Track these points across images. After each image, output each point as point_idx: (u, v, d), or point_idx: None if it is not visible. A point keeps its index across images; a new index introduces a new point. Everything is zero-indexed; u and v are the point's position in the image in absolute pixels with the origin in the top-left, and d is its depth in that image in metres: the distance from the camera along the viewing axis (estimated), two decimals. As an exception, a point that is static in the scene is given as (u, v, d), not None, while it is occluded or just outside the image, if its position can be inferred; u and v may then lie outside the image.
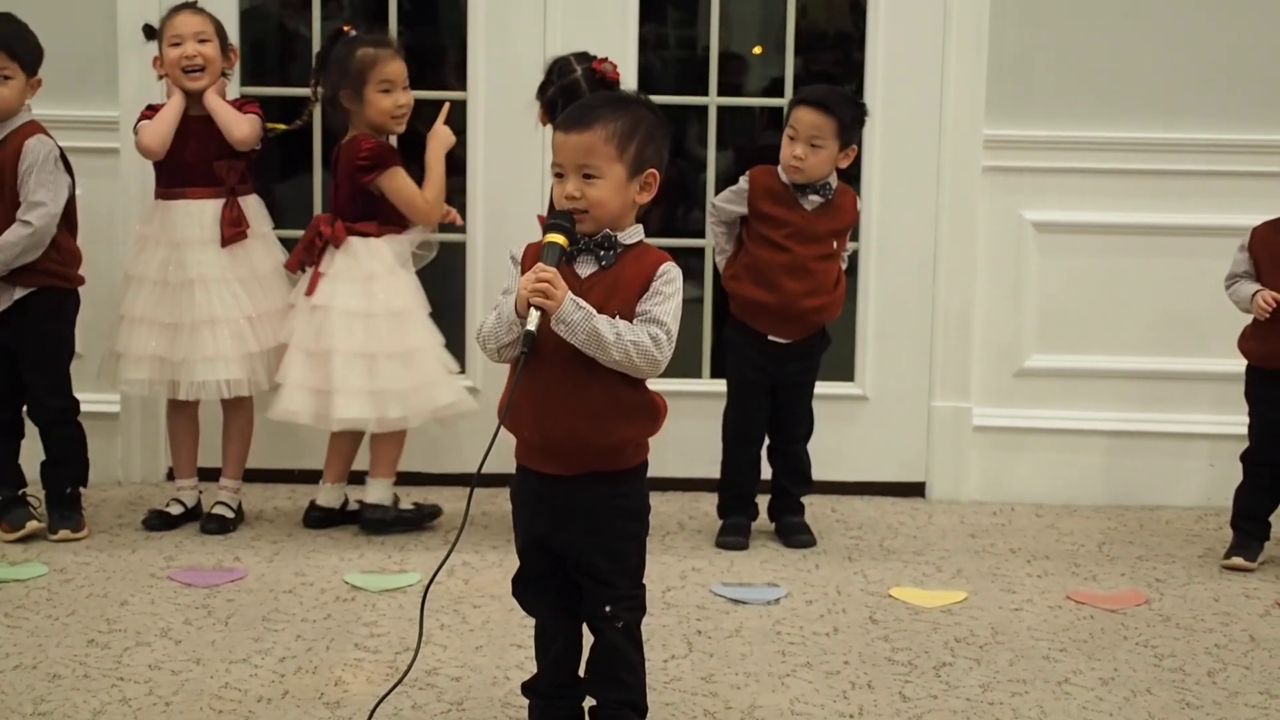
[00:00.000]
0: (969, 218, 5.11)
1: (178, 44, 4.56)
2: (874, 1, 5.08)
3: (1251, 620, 4.10)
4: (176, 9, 4.62)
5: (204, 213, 4.56)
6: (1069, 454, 5.19)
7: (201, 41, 4.56)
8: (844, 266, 4.67)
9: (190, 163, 4.56)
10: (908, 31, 5.07)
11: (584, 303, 2.93)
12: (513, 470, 3.14)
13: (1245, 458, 4.60)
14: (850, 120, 4.51)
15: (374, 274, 4.54)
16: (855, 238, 5.14)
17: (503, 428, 3.02)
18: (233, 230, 4.56)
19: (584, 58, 4.56)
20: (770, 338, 4.63)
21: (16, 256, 4.39)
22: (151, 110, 4.60)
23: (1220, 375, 5.00)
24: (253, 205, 4.65)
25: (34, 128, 4.47)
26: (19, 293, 4.44)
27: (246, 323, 4.56)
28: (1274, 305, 4.39)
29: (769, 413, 4.69)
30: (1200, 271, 4.90)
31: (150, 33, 4.64)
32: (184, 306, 4.54)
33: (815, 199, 4.56)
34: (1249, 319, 4.52)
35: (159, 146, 4.53)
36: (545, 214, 4.56)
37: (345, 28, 4.68)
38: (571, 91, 4.41)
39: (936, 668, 3.71)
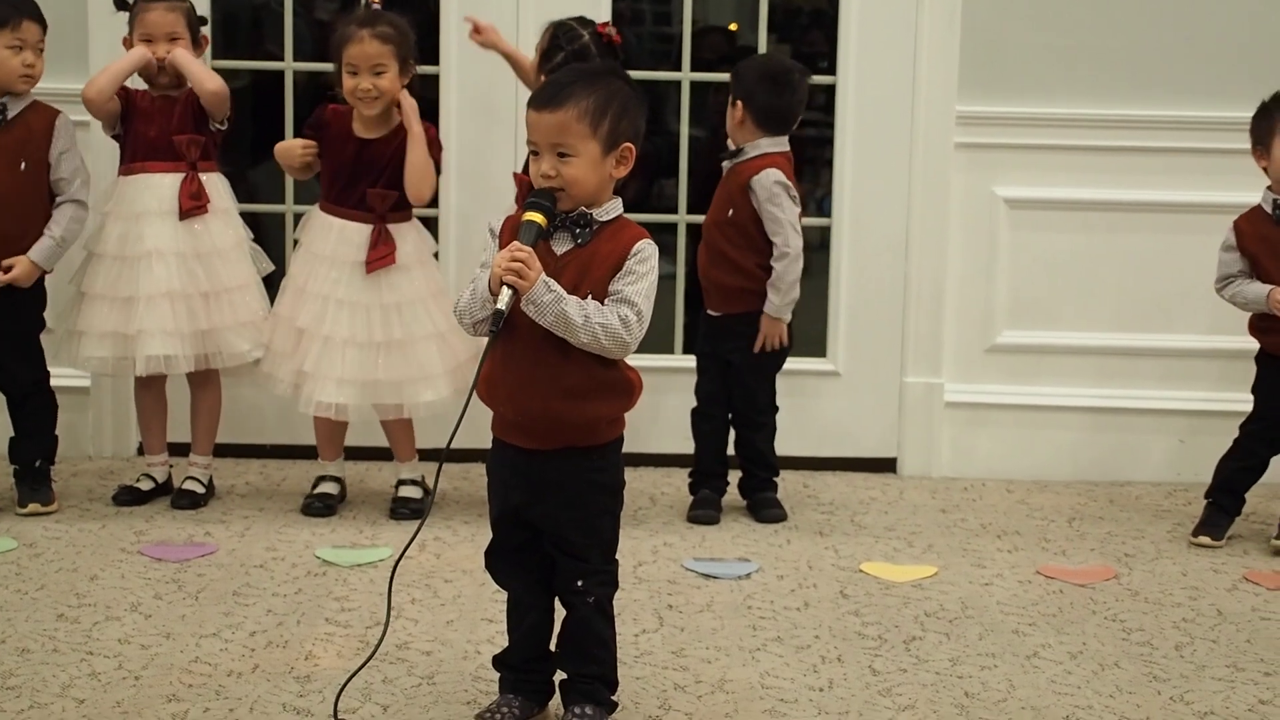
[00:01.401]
0: (941, 194, 5.12)
1: (149, 41, 4.53)
2: (847, -25, 5.10)
3: (1219, 595, 4.12)
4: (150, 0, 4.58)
5: (163, 185, 4.53)
6: (1040, 430, 5.22)
7: (173, 40, 4.54)
8: (781, 249, 4.54)
9: (152, 138, 4.54)
10: (881, 7, 5.07)
11: (555, 285, 2.93)
12: (487, 446, 3.14)
13: (1246, 435, 4.59)
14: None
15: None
16: (827, 213, 5.17)
17: (480, 402, 3.04)
18: (191, 203, 4.52)
19: (585, 22, 4.56)
20: (707, 310, 4.66)
21: (78, 235, 4.52)
22: (124, 90, 4.59)
23: (1190, 351, 5.03)
24: (215, 182, 4.61)
25: (51, 107, 4.53)
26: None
27: (201, 299, 4.52)
28: None
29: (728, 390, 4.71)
30: (1171, 248, 4.93)
31: (121, 4, 4.60)
32: (140, 280, 4.49)
33: (726, 164, 4.59)
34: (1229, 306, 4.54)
35: (95, 94, 4.50)
36: (521, 171, 4.57)
37: (373, 2, 4.61)
38: (581, 56, 4.39)
39: (906, 642, 3.73)
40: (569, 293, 2.95)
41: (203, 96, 4.51)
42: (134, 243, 4.51)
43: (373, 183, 4.50)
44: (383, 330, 4.49)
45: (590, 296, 2.97)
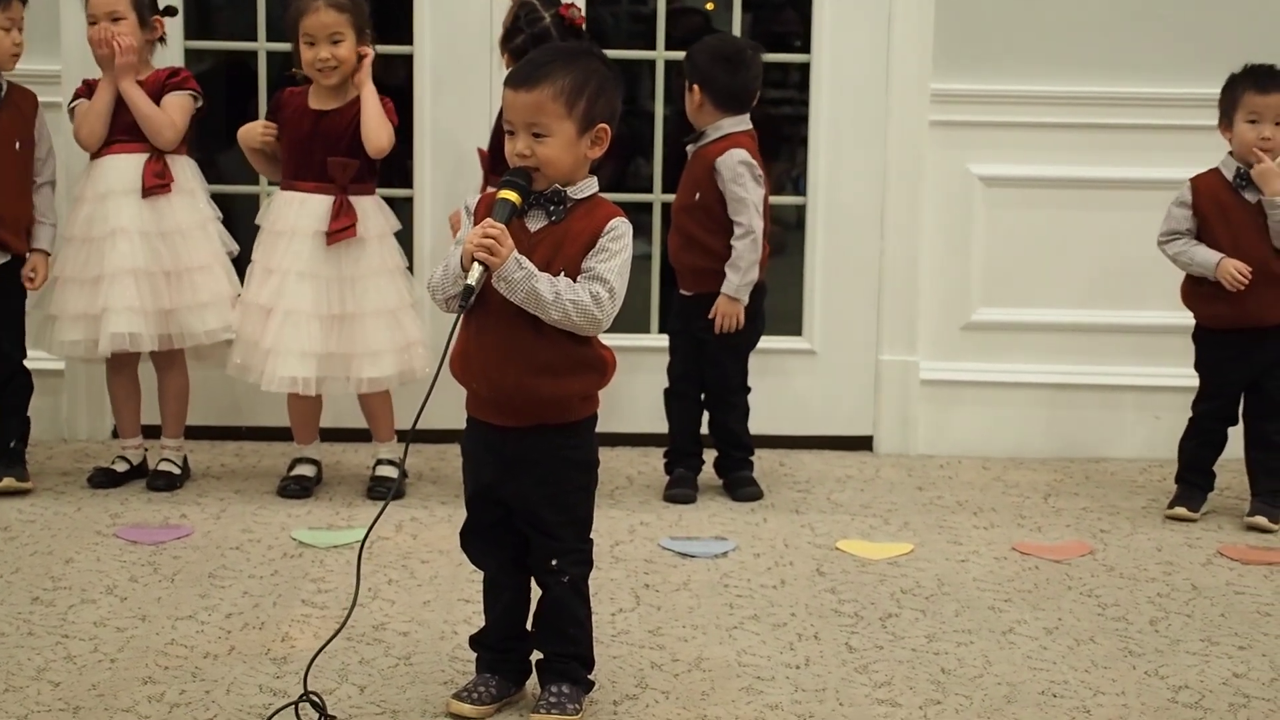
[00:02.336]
0: (916, 172, 5.12)
1: (93, 22, 4.52)
2: (821, -44, 5.09)
3: (1194, 569, 4.13)
4: None
5: (128, 165, 4.51)
6: (1015, 407, 5.22)
7: (115, 20, 4.50)
8: (745, 229, 4.51)
9: (116, 118, 4.52)
10: (853, -17, 5.08)
11: (527, 262, 2.93)
12: (462, 426, 3.14)
13: (1200, 415, 4.60)
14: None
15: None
16: (802, 192, 5.17)
17: (454, 379, 3.04)
18: (155, 182, 4.49)
19: (550, 3, 4.54)
20: (680, 289, 4.66)
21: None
22: (87, 85, 4.58)
23: (1165, 327, 5.04)
24: (183, 163, 4.59)
25: (27, 89, 4.54)
26: (6, 257, 4.50)
27: (164, 277, 4.50)
28: (1248, 276, 4.37)
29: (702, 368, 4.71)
30: (1146, 224, 4.91)
31: None
32: (105, 258, 4.47)
33: (690, 149, 4.59)
34: (1181, 273, 4.54)
35: (95, 142, 4.53)
36: (486, 148, 4.56)
37: None
38: (542, 39, 4.38)
39: (883, 619, 3.73)
40: (542, 270, 2.96)
41: (155, 143, 4.52)
42: (99, 223, 4.50)
43: (331, 152, 4.48)
44: (341, 303, 4.49)
45: (563, 274, 2.98)
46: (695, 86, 4.53)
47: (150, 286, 4.48)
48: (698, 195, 4.56)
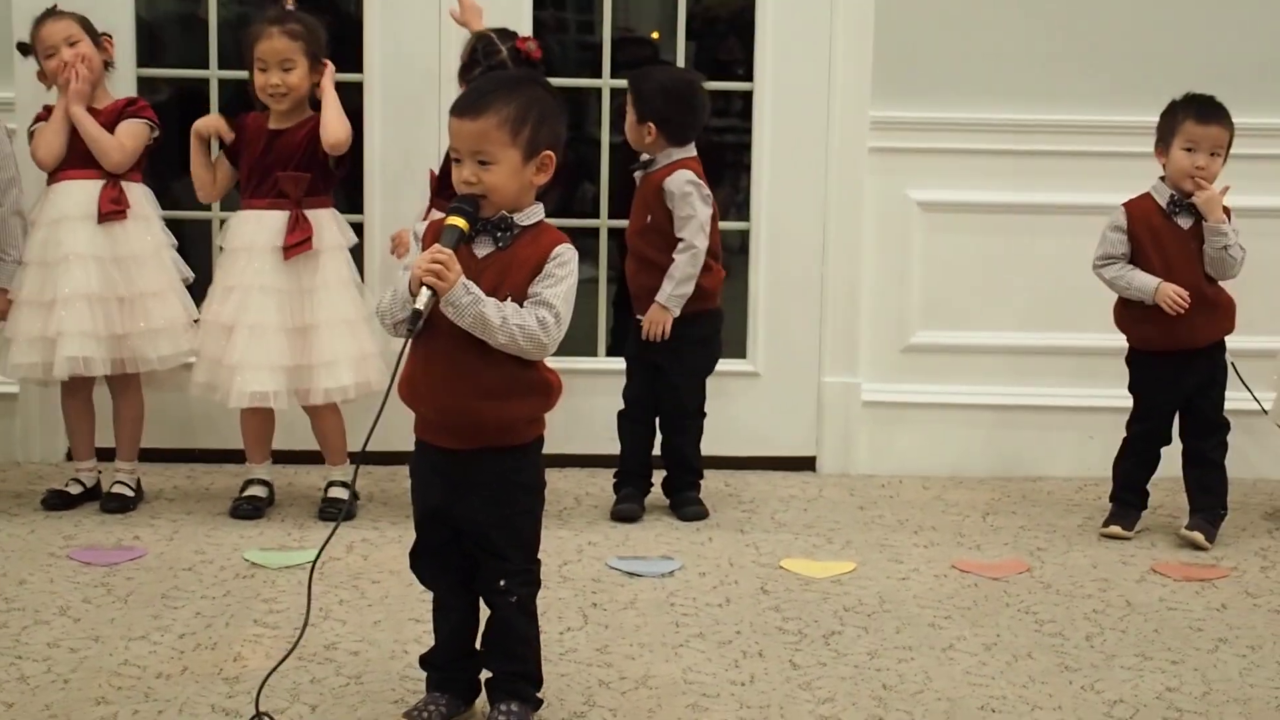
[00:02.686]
0: (856, 197, 5.14)
1: (52, 55, 4.51)
2: (764, -14, 5.11)
3: (1128, 586, 4.16)
4: (40, 20, 4.55)
5: (83, 191, 4.49)
6: (955, 427, 5.25)
7: (72, 44, 4.51)
8: (688, 243, 4.52)
9: (76, 147, 4.50)
10: (796, 15, 5.09)
11: (474, 287, 2.93)
12: (411, 449, 3.13)
13: (1134, 436, 4.62)
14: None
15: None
16: (745, 217, 5.18)
17: (402, 402, 3.03)
18: (111, 208, 4.48)
19: (507, 35, 4.55)
20: (637, 315, 4.67)
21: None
22: (47, 111, 4.55)
23: (1099, 349, 5.06)
24: (137, 190, 4.57)
25: None
26: None
27: (118, 303, 4.48)
28: (1187, 300, 4.39)
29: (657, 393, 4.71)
30: (1081, 248, 4.93)
31: (25, 49, 4.59)
32: (59, 283, 4.45)
33: (638, 175, 4.61)
34: (1115, 297, 4.57)
35: (53, 160, 4.52)
36: (436, 170, 4.55)
37: (286, 2, 4.61)
38: (498, 70, 4.39)
39: (826, 636, 3.74)
40: (489, 294, 2.95)
41: (104, 165, 4.49)
42: (53, 247, 4.48)
43: (285, 169, 4.49)
44: (301, 314, 4.49)
45: (510, 299, 2.98)
46: (650, 125, 4.53)
47: (104, 311, 4.45)
48: (649, 218, 4.57)
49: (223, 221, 4.81)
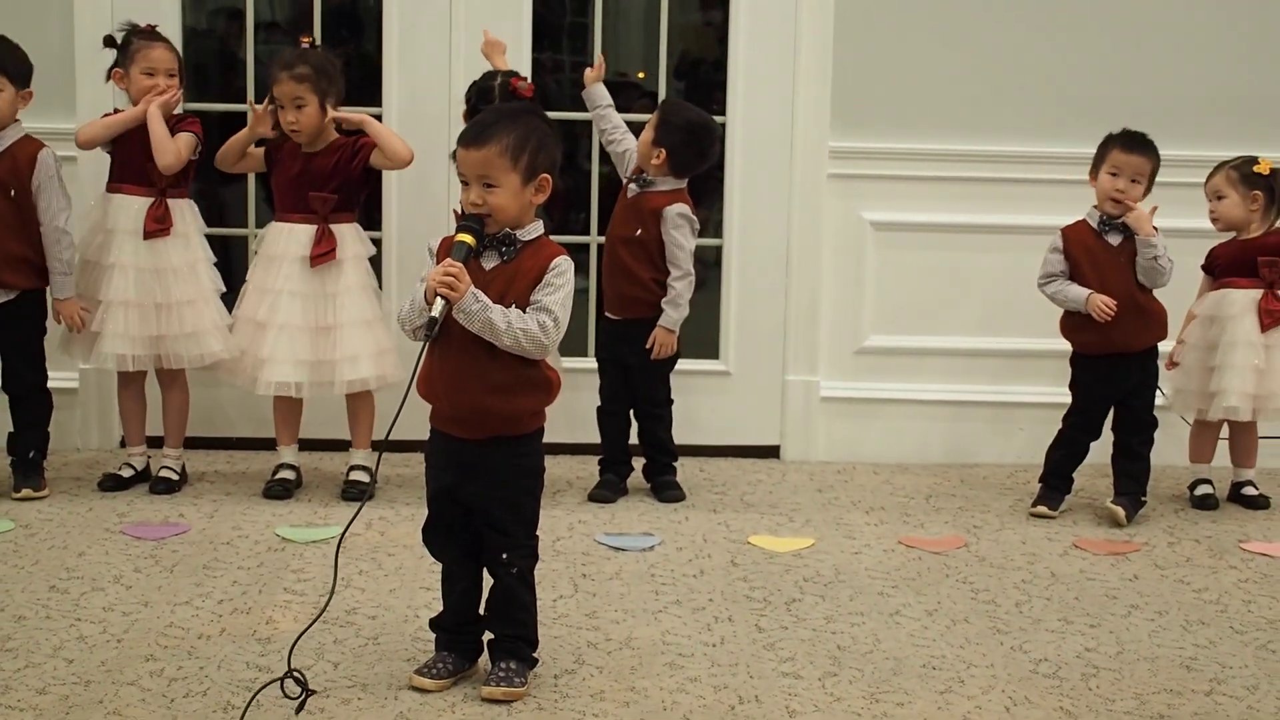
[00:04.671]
0: (816, 218, 5.15)
1: (151, 74, 4.48)
2: (734, 31, 5.10)
3: (1053, 559, 4.17)
4: (152, 39, 4.52)
5: (134, 207, 4.48)
6: (903, 420, 5.25)
7: (171, 76, 4.51)
8: (684, 271, 4.54)
9: (131, 162, 4.48)
10: (764, 59, 5.09)
11: (483, 295, 2.95)
12: (425, 437, 3.15)
13: (1069, 427, 4.63)
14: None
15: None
16: (719, 235, 5.19)
17: (420, 397, 3.05)
18: (155, 227, 4.47)
19: (508, 74, 4.59)
20: (606, 313, 4.68)
21: (72, 254, 4.46)
22: (115, 111, 4.55)
23: (1029, 352, 5.09)
24: (184, 208, 4.55)
25: (37, 141, 4.44)
26: (12, 294, 4.44)
27: (154, 308, 4.47)
28: (1114, 309, 4.42)
29: (630, 388, 4.71)
30: (1015, 264, 4.97)
31: (110, 42, 4.55)
32: (104, 288, 4.45)
33: (634, 187, 4.60)
34: (1060, 311, 4.59)
35: (86, 140, 4.49)
36: (457, 208, 4.56)
37: (303, 40, 4.59)
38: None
39: (787, 603, 3.75)
40: (495, 302, 2.97)
41: (159, 168, 4.45)
42: (104, 253, 4.49)
43: (315, 188, 4.50)
44: (325, 316, 4.50)
45: (514, 305, 3.00)
46: (663, 151, 4.53)
47: (140, 316, 4.46)
48: (639, 231, 4.56)
49: (257, 235, 4.81)
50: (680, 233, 4.53)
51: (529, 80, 4.62)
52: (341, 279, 4.52)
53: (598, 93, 4.72)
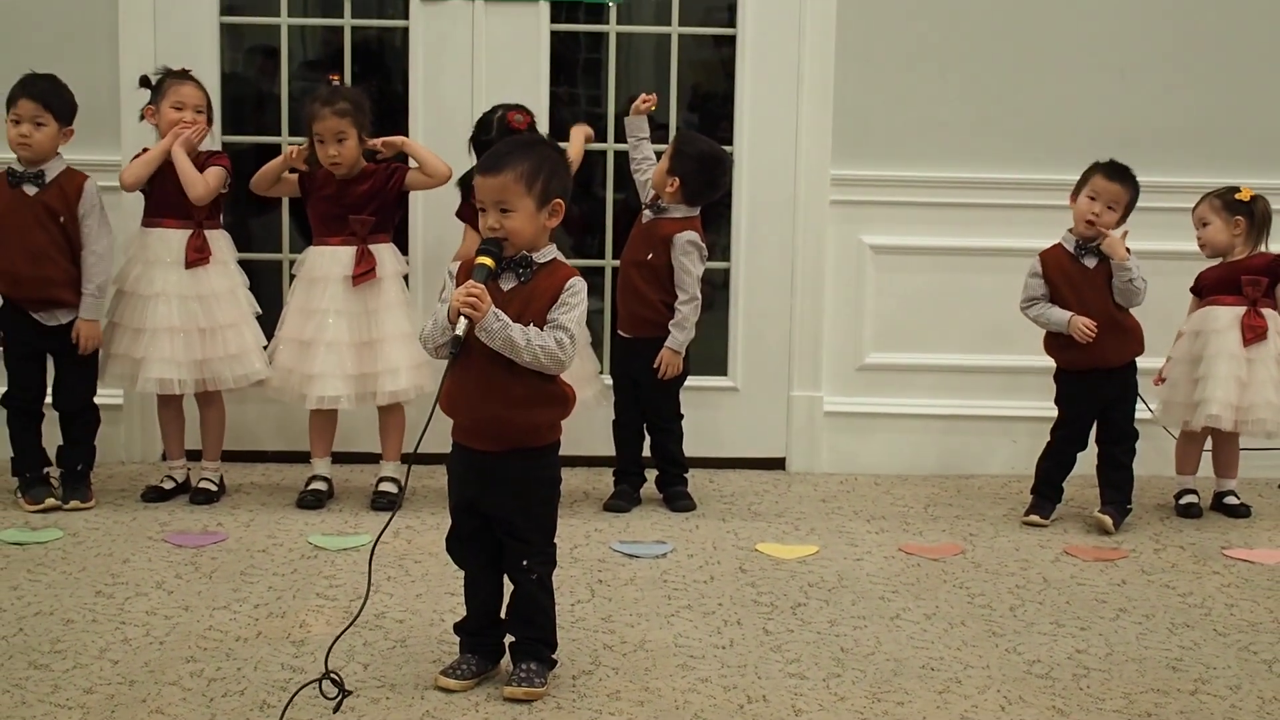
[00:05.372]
0: (819, 242, 5.16)
1: (179, 109, 4.52)
2: (740, 66, 5.13)
3: (1045, 565, 4.17)
4: (183, 77, 4.56)
5: (173, 240, 4.51)
6: (902, 434, 5.25)
7: (199, 112, 4.54)
8: (690, 295, 4.55)
9: (169, 197, 4.51)
10: (769, 92, 5.11)
11: (503, 315, 2.97)
12: (448, 450, 3.16)
13: (1057, 439, 4.63)
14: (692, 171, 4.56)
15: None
16: (727, 258, 5.20)
17: (443, 411, 3.06)
18: (196, 256, 4.50)
19: (508, 107, 4.62)
20: (618, 331, 4.69)
21: (108, 279, 4.50)
22: (144, 151, 4.58)
23: (1022, 369, 5.09)
24: (219, 237, 4.59)
25: (81, 173, 4.48)
26: (71, 315, 4.47)
27: (198, 333, 4.50)
28: (1094, 331, 4.43)
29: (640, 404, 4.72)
30: (1008, 284, 4.95)
31: (146, 83, 4.59)
32: (148, 316, 4.48)
33: (649, 213, 4.62)
34: (1044, 332, 4.59)
35: (133, 182, 4.51)
36: (452, 268, 4.58)
37: (332, 78, 4.65)
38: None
39: (793, 607, 3.75)
40: (515, 321, 2.99)
41: (191, 200, 4.48)
42: (146, 283, 4.51)
43: (353, 211, 4.54)
44: (367, 331, 4.52)
45: (532, 324, 3.01)
46: (677, 180, 4.54)
47: (184, 341, 4.48)
48: (650, 255, 4.58)
49: (291, 263, 4.84)
50: (689, 259, 4.55)
51: (527, 114, 4.64)
52: (381, 296, 4.55)
53: (638, 124, 4.74)
